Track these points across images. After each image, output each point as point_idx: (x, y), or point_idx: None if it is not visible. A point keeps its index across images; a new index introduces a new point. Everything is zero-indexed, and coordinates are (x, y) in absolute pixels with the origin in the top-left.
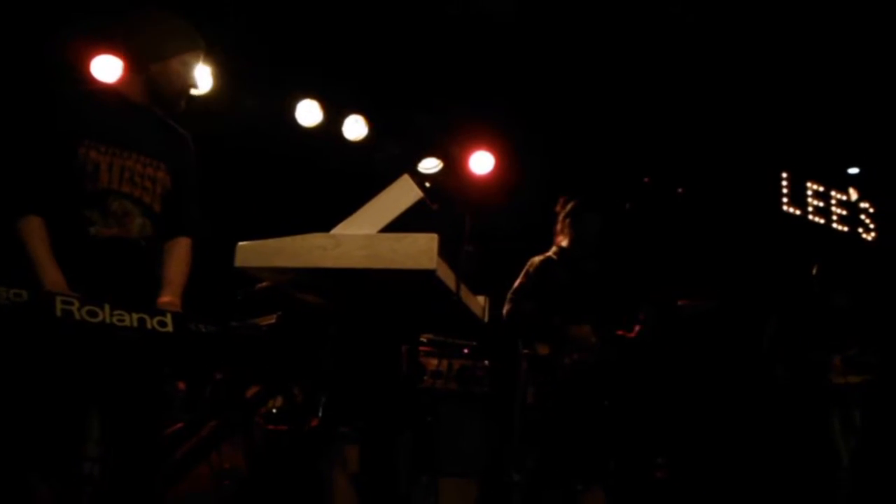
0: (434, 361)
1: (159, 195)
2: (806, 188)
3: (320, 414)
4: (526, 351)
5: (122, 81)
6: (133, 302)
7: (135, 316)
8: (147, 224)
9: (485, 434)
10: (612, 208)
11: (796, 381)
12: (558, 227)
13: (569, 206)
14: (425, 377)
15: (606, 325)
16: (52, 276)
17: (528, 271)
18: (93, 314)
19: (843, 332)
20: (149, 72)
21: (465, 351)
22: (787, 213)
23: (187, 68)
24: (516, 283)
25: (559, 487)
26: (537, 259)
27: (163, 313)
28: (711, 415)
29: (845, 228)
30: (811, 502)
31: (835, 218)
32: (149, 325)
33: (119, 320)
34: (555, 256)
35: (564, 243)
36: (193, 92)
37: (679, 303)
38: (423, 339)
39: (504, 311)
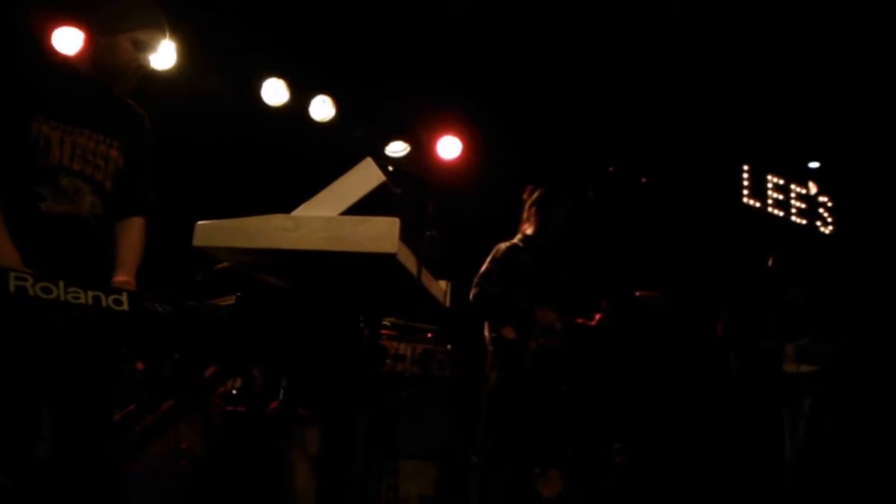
0: (397, 345)
1: (111, 173)
2: (766, 181)
3: (281, 395)
4: (493, 335)
5: (79, 55)
6: (86, 280)
7: (90, 294)
8: (98, 202)
9: (445, 417)
10: (578, 197)
11: (749, 370)
12: (524, 214)
13: (536, 195)
14: (388, 361)
15: (569, 312)
16: (5, 251)
17: (494, 257)
18: (47, 291)
19: (796, 323)
20: (97, 45)
21: (429, 336)
22: (747, 205)
23: (138, 47)
24: (483, 268)
25: (516, 470)
26: (504, 245)
27: (118, 292)
28: (667, 402)
29: (804, 221)
30: (761, 489)
31: (794, 211)
32: (104, 303)
33: (74, 297)
34: (520, 243)
35: (530, 231)
36: (153, 69)
37: (636, 294)
38: (387, 323)
39: (471, 295)
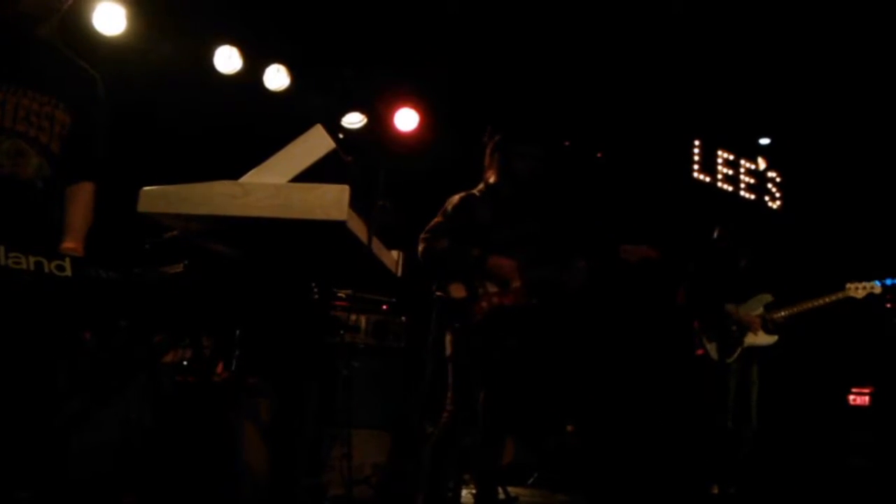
0: (352, 316)
1: (58, 135)
2: (716, 156)
3: (233, 365)
4: (439, 294)
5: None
6: (28, 244)
7: (32, 259)
8: (45, 165)
9: (400, 387)
10: (551, 143)
11: (712, 336)
12: (486, 160)
13: (497, 137)
14: (342, 332)
15: (532, 268)
16: None
17: (445, 209)
18: None
19: (744, 288)
20: None
21: (384, 307)
22: (698, 180)
23: None
24: (432, 222)
25: (475, 441)
26: (457, 197)
27: (61, 257)
28: (629, 371)
29: (752, 196)
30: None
31: (743, 186)
32: (46, 269)
33: (15, 263)
34: (478, 193)
35: (492, 179)
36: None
37: (623, 248)
38: (342, 295)
39: (418, 251)
